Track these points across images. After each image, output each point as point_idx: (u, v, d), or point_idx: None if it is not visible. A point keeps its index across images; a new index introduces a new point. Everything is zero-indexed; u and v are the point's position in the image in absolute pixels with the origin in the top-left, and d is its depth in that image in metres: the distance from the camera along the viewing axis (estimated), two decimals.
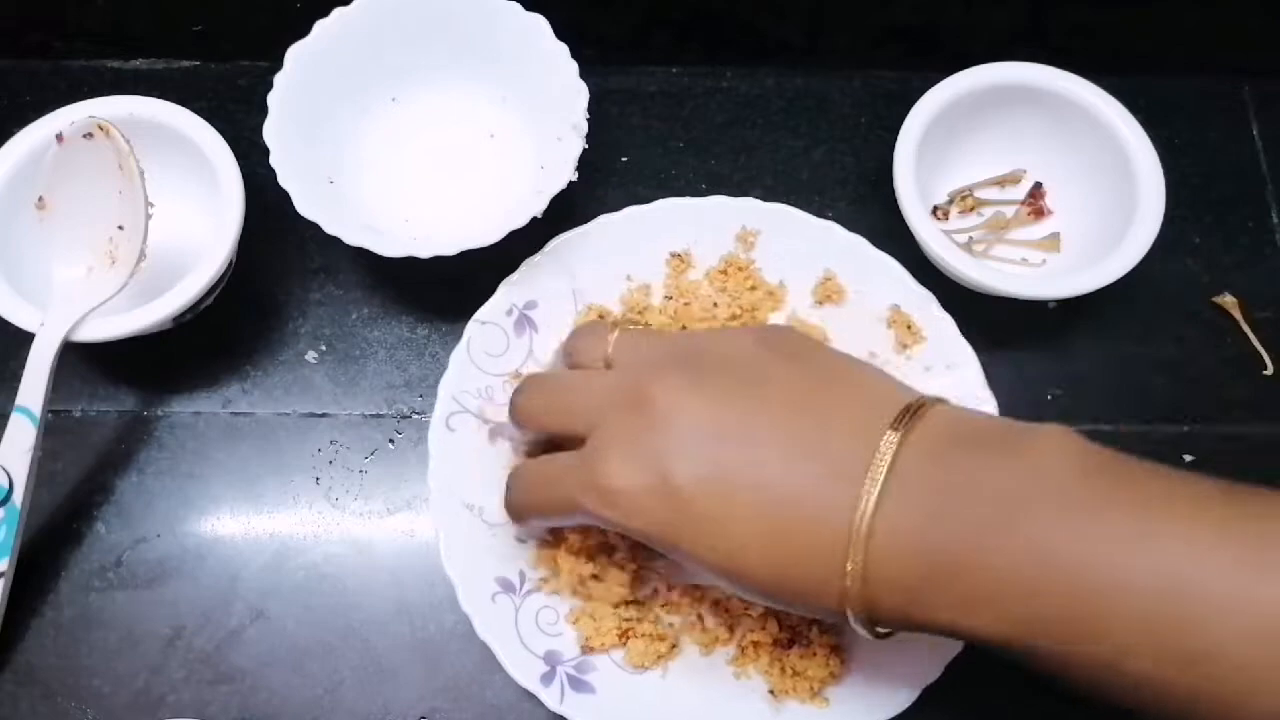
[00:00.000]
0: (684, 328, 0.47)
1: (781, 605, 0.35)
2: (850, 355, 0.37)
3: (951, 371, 0.46)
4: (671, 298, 0.48)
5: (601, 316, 0.47)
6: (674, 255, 0.48)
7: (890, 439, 0.32)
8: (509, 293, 0.46)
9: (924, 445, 0.32)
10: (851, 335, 0.47)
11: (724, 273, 0.48)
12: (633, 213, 0.47)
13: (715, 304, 0.47)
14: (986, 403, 0.45)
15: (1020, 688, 0.45)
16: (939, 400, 0.34)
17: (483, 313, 0.46)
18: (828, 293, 0.48)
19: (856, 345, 0.47)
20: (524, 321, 0.47)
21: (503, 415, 0.45)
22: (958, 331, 0.46)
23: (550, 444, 0.41)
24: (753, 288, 0.48)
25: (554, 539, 0.44)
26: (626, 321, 0.47)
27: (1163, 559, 0.28)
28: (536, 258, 0.47)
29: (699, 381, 0.34)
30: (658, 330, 0.41)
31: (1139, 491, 0.31)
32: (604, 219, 0.47)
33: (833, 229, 0.48)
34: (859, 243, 0.48)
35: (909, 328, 0.47)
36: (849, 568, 0.31)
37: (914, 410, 0.33)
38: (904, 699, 0.41)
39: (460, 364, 0.45)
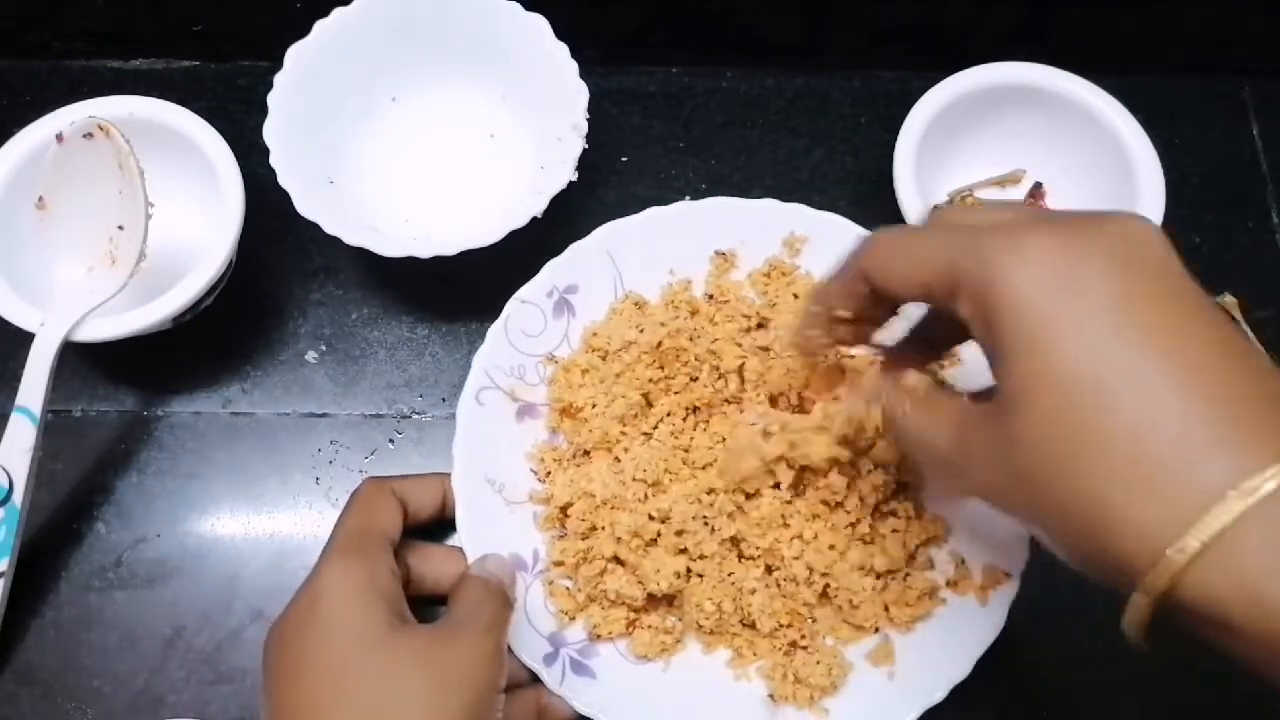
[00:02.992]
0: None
1: (1078, 503, 0.27)
2: None
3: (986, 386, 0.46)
4: (713, 295, 0.48)
5: (639, 306, 0.47)
6: (719, 254, 0.48)
7: None
8: (552, 274, 0.46)
9: None
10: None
11: (766, 275, 0.48)
12: (682, 208, 0.47)
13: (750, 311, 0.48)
14: None
15: (1020, 713, 0.45)
16: None
17: (524, 291, 0.46)
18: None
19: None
20: (563, 304, 0.47)
21: (532, 395, 0.45)
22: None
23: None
24: (795, 295, 0.48)
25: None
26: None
27: None
28: (584, 242, 0.47)
29: (1170, 248, 0.29)
30: None
31: None
32: (654, 211, 0.47)
33: None
34: None
35: None
36: (1209, 520, 0.25)
37: None
38: (905, 718, 0.41)
39: (496, 339, 0.45)
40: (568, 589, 0.44)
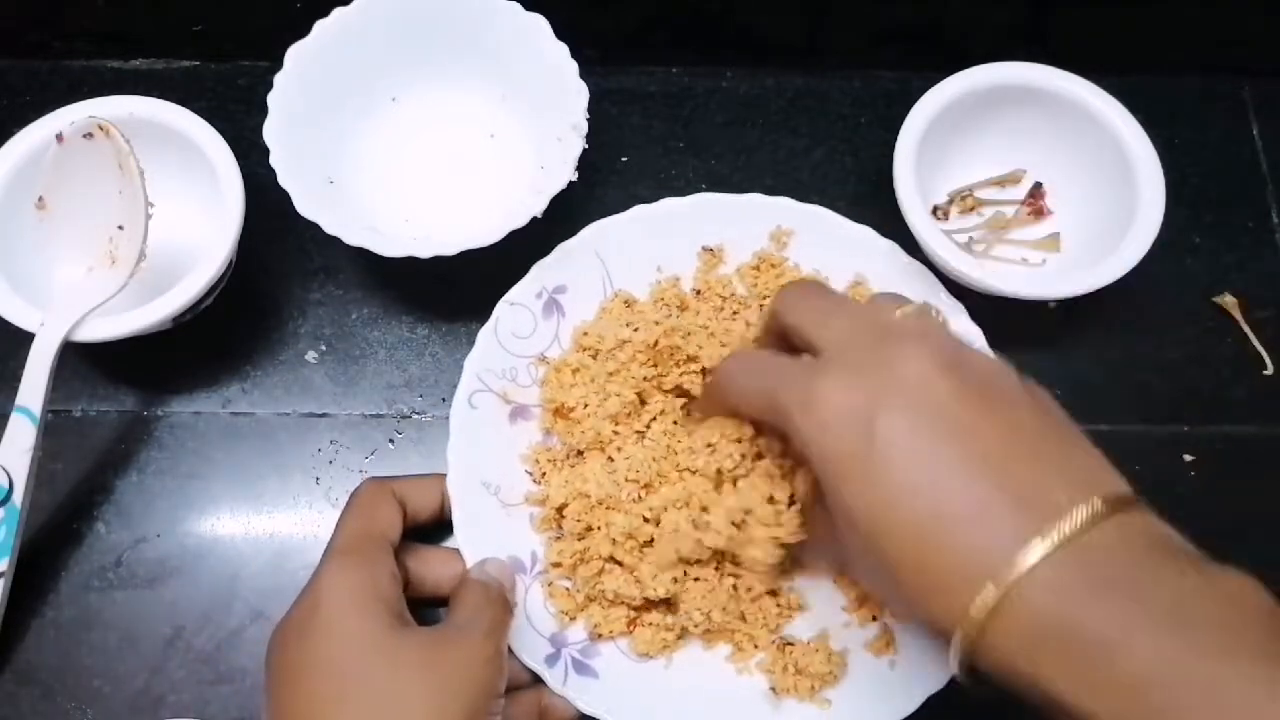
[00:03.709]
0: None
1: (902, 597, 0.33)
2: (1083, 434, 0.36)
3: None
4: (700, 291, 0.48)
5: (629, 304, 0.47)
6: (706, 249, 0.48)
7: (1095, 506, 0.31)
8: (540, 275, 0.47)
9: (1119, 533, 0.31)
10: None
11: (756, 268, 0.48)
12: (669, 205, 0.48)
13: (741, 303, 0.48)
14: None
15: (1023, 706, 0.45)
16: (1144, 505, 0.33)
17: (513, 294, 0.46)
18: (858, 297, 0.48)
19: None
20: (553, 305, 0.47)
21: (524, 397, 0.45)
22: (985, 344, 0.46)
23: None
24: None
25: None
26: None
27: None
28: (571, 243, 0.47)
29: (952, 369, 0.33)
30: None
31: None
32: (640, 209, 0.47)
33: (867, 234, 0.48)
34: (893, 249, 0.48)
35: None
36: (985, 593, 0.30)
37: (1123, 504, 0.31)
38: (907, 706, 0.41)
39: (486, 343, 0.45)
40: (567, 589, 0.44)
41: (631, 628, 0.43)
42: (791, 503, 0.40)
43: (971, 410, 0.33)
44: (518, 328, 0.46)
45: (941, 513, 0.31)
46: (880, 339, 0.34)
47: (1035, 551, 0.30)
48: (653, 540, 0.43)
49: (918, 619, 0.33)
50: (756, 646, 0.43)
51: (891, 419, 0.32)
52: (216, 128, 0.47)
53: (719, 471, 0.41)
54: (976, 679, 0.32)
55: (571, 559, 0.43)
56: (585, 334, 0.46)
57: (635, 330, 0.45)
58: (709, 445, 0.41)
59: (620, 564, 0.43)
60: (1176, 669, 0.28)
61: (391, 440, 0.49)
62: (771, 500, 0.40)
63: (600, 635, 0.43)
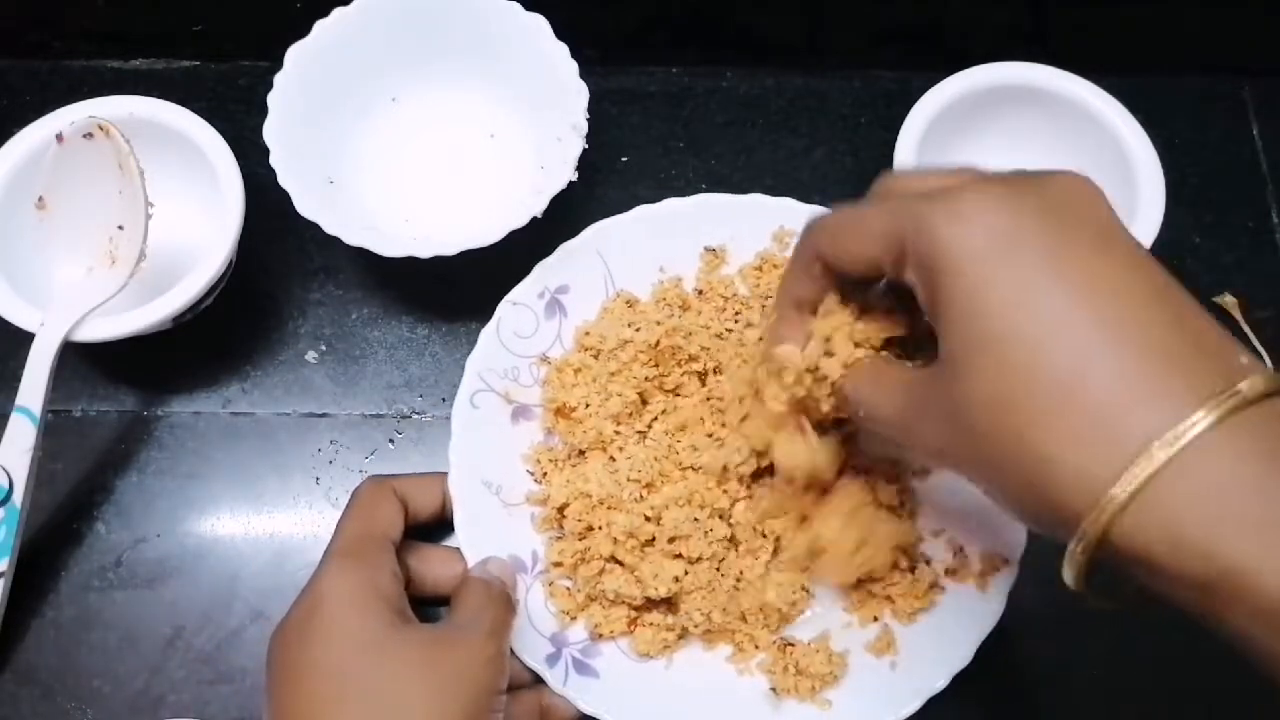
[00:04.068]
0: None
1: (1016, 452, 0.28)
2: None
3: None
4: (702, 291, 0.48)
5: (630, 304, 0.47)
6: (709, 250, 0.48)
7: (1257, 381, 0.26)
8: (543, 275, 0.47)
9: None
10: None
11: (758, 269, 0.48)
12: (671, 205, 0.48)
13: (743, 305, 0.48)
14: None
15: (1025, 704, 0.45)
16: None
17: (515, 294, 0.46)
18: None
19: None
20: (555, 305, 0.47)
21: (526, 397, 0.46)
22: None
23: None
24: None
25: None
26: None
27: None
28: (573, 242, 0.47)
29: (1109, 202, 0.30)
30: None
31: None
32: (642, 209, 0.47)
33: None
34: None
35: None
36: (1159, 445, 0.25)
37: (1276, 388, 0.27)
38: (907, 707, 0.41)
39: (489, 343, 0.45)
40: (568, 589, 0.44)
41: (632, 628, 0.43)
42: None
43: (1136, 254, 0.29)
44: (520, 327, 0.46)
45: (1108, 347, 0.27)
46: (1029, 172, 0.30)
47: (1221, 406, 0.26)
48: (654, 541, 0.43)
49: (1033, 486, 0.28)
50: (757, 647, 0.43)
51: (1053, 232, 0.28)
52: (216, 128, 0.47)
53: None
54: (1091, 575, 0.28)
55: (572, 558, 0.43)
56: (587, 333, 0.46)
57: (637, 330, 0.45)
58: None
59: (621, 564, 0.43)
60: None
61: (391, 440, 0.49)
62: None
63: (600, 635, 0.43)
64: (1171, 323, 0.28)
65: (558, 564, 0.44)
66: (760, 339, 0.41)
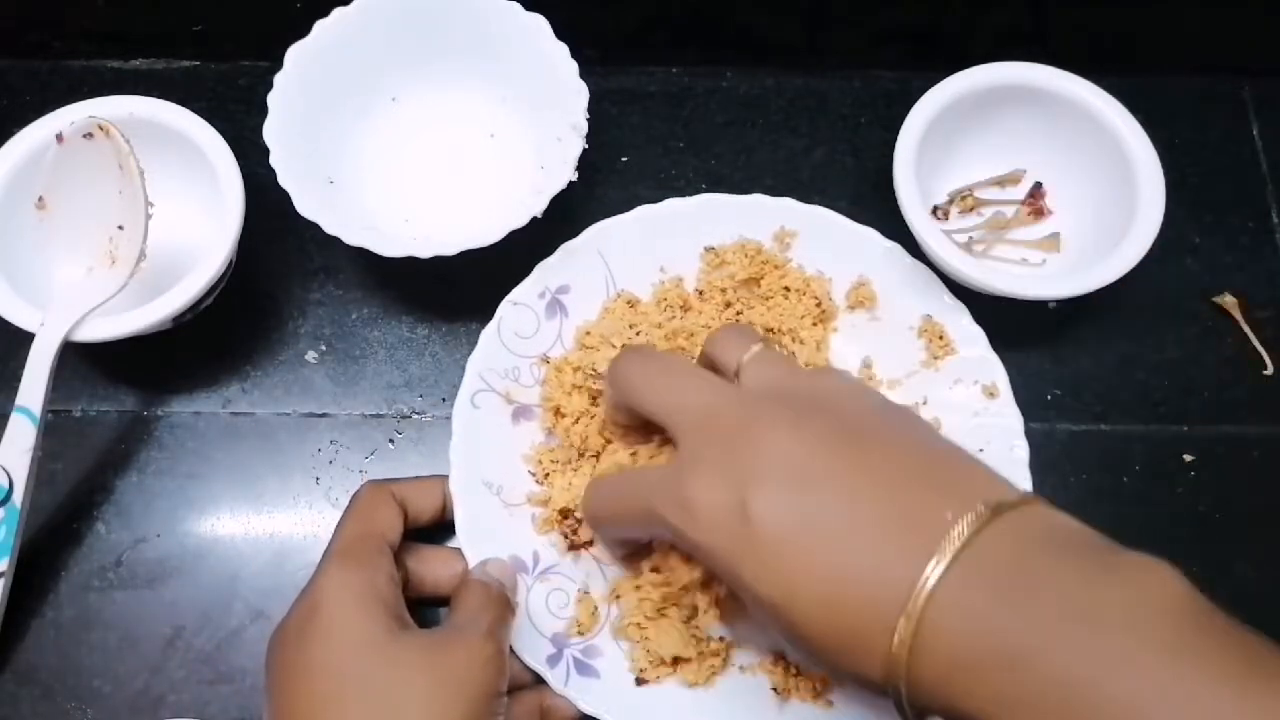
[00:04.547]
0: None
1: (828, 663, 0.33)
2: (959, 445, 0.36)
3: (980, 386, 0.46)
4: (703, 292, 0.48)
5: (631, 305, 0.47)
6: (709, 250, 0.48)
7: (975, 518, 0.31)
8: (543, 275, 0.46)
9: (1012, 535, 0.31)
10: (882, 342, 0.48)
11: (756, 278, 0.48)
12: (672, 205, 0.48)
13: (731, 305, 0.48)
14: (1013, 420, 0.46)
15: None
16: (1038, 499, 0.33)
17: (516, 294, 0.46)
18: (860, 298, 0.48)
19: (886, 352, 0.48)
20: (555, 305, 0.47)
21: (527, 397, 0.45)
22: (989, 345, 0.46)
23: (621, 424, 0.42)
24: (786, 287, 0.48)
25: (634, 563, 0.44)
26: (772, 341, 0.46)
27: None
28: (574, 243, 0.47)
29: (804, 422, 0.34)
30: (793, 364, 0.39)
31: (1249, 665, 0.28)
32: (643, 209, 0.47)
33: (870, 235, 0.48)
34: (895, 250, 0.48)
35: (940, 338, 0.47)
36: (898, 633, 0.30)
37: (1010, 504, 0.31)
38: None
39: (489, 343, 0.45)
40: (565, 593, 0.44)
41: (676, 666, 0.43)
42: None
43: (836, 457, 0.33)
44: (520, 327, 0.46)
45: (836, 565, 0.32)
46: (733, 425, 0.35)
47: (933, 573, 0.30)
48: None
49: (853, 682, 0.33)
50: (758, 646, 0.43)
51: (763, 500, 0.33)
52: (216, 128, 0.47)
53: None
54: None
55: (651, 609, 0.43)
56: (588, 334, 0.46)
57: (637, 332, 0.45)
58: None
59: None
60: (1086, 672, 0.28)
61: (391, 440, 0.49)
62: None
63: (645, 680, 0.43)
64: (898, 484, 0.32)
65: (638, 624, 0.43)
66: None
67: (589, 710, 0.41)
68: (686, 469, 0.35)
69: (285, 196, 0.45)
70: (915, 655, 0.30)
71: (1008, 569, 0.30)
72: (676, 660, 0.42)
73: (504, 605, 0.40)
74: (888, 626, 0.30)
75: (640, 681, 0.42)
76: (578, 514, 0.44)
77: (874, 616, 0.31)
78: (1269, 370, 0.50)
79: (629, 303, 0.47)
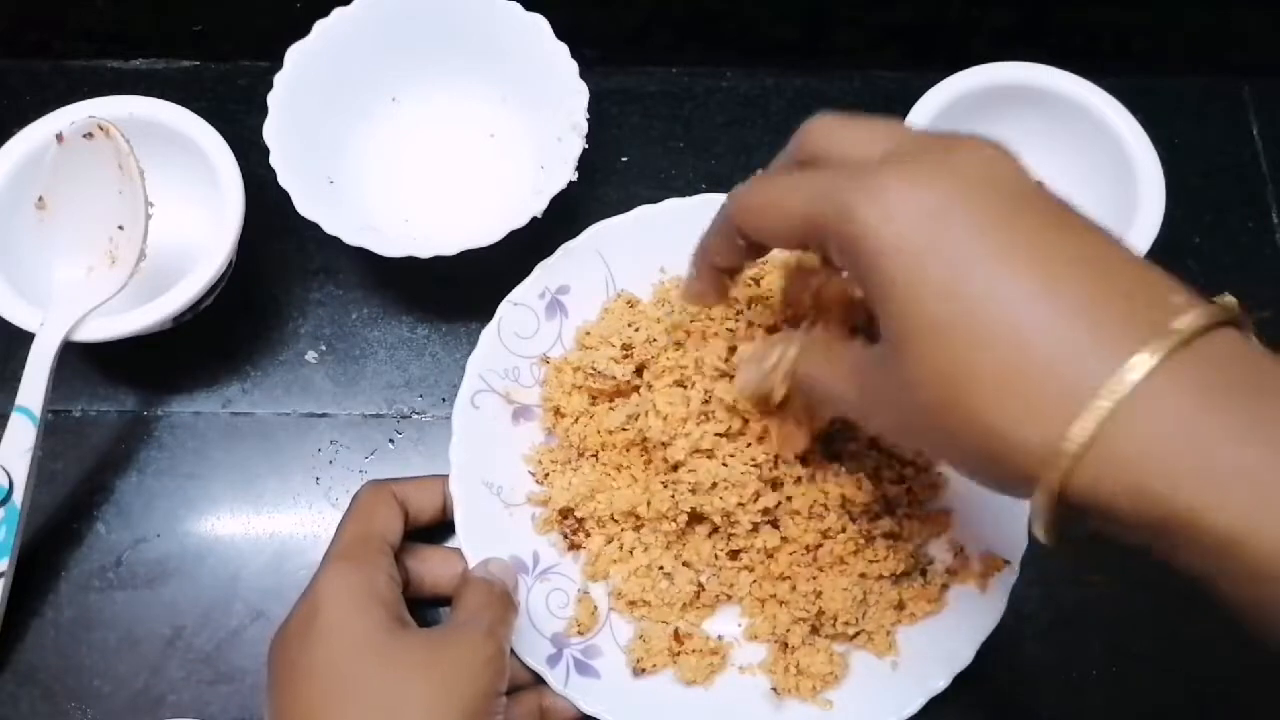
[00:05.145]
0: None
1: (967, 423, 0.28)
2: None
3: None
4: None
5: (631, 304, 0.47)
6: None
7: (1212, 311, 0.27)
8: (543, 275, 0.46)
9: (1236, 340, 0.27)
10: None
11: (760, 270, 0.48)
12: (672, 205, 0.47)
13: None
14: None
15: (1026, 704, 0.45)
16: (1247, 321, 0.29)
17: (516, 294, 0.46)
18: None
19: None
20: (555, 305, 0.47)
21: (527, 397, 0.46)
22: None
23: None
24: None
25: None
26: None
27: None
28: (574, 243, 0.47)
29: (1033, 176, 0.30)
30: None
31: None
32: (643, 209, 0.47)
33: None
34: None
35: None
36: (1099, 401, 0.26)
37: (1236, 313, 0.28)
38: (908, 708, 0.41)
39: (489, 343, 0.45)
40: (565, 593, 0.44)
41: (675, 658, 0.43)
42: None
43: (1059, 207, 0.29)
44: (520, 327, 0.46)
45: (1038, 312, 0.27)
46: (946, 138, 0.30)
47: (1157, 351, 0.26)
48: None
49: (989, 450, 0.28)
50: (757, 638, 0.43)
51: (975, 208, 0.28)
52: (216, 128, 0.47)
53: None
54: (1060, 528, 0.28)
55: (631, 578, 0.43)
56: (587, 334, 0.46)
57: (637, 330, 0.45)
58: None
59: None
60: None
61: (391, 440, 0.49)
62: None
63: (644, 669, 0.43)
64: (1100, 274, 0.28)
65: (632, 602, 0.44)
66: (679, 290, 0.41)
67: (589, 710, 0.41)
68: (889, 164, 0.30)
69: (285, 196, 0.45)
70: (1112, 426, 0.26)
71: (1230, 368, 0.27)
72: (677, 652, 0.43)
73: (505, 604, 0.40)
74: (1086, 388, 0.26)
75: (639, 672, 0.42)
76: (578, 513, 0.44)
77: (1072, 374, 0.26)
78: None
79: (629, 302, 0.47)
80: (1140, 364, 0.26)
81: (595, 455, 0.45)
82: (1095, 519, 0.27)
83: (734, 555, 0.43)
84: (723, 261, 0.37)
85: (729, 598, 0.44)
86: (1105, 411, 0.26)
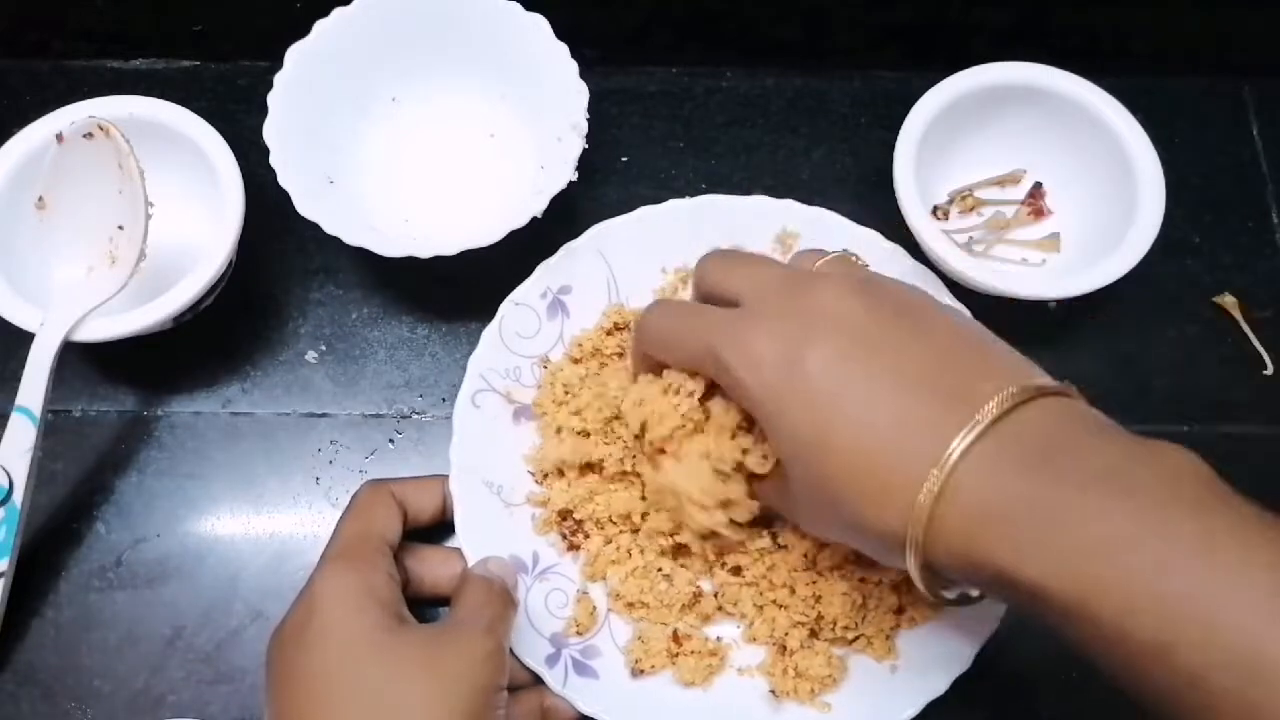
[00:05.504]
0: None
1: (850, 512, 0.34)
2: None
3: None
4: None
5: (619, 312, 0.47)
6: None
7: (1020, 389, 0.33)
8: (545, 275, 0.46)
9: (1045, 413, 0.33)
10: None
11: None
12: (673, 206, 0.47)
13: None
14: None
15: (1026, 707, 0.45)
16: (1074, 391, 0.35)
17: (517, 294, 0.46)
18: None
19: None
20: (557, 305, 0.47)
21: (528, 397, 0.45)
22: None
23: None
24: None
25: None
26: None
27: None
28: (576, 243, 0.47)
29: (868, 291, 0.36)
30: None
31: (1270, 519, 0.29)
32: (645, 210, 0.47)
33: (873, 238, 0.47)
34: (898, 252, 0.47)
35: None
36: (928, 483, 0.32)
37: (1049, 390, 0.33)
38: (907, 711, 0.41)
39: (491, 342, 0.45)
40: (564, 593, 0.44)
41: (674, 659, 0.43)
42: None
43: (891, 328, 0.35)
44: (522, 327, 0.46)
45: (876, 421, 0.33)
46: (798, 284, 0.36)
47: (969, 435, 0.32)
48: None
49: (867, 537, 0.34)
50: (755, 639, 0.43)
51: (818, 349, 0.34)
52: (216, 128, 0.47)
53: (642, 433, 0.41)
54: (933, 581, 0.34)
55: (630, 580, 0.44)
56: (579, 345, 0.46)
57: (622, 327, 0.46)
58: (638, 402, 0.40)
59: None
60: (1114, 526, 0.29)
61: (391, 440, 0.49)
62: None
63: (642, 670, 0.43)
64: (923, 384, 0.33)
65: (631, 604, 0.43)
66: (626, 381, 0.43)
67: (587, 710, 0.41)
68: (750, 316, 0.36)
69: (285, 196, 0.45)
70: (941, 504, 0.32)
71: (1040, 439, 0.32)
72: (675, 654, 0.43)
73: (505, 601, 0.40)
74: (917, 476, 0.32)
75: (637, 673, 0.42)
76: (576, 515, 0.44)
77: (906, 467, 0.32)
78: (1269, 370, 0.50)
79: (619, 311, 0.47)
80: (957, 447, 0.32)
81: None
82: (956, 581, 0.34)
83: (736, 571, 0.43)
84: (650, 367, 0.41)
85: (731, 614, 0.44)
86: (934, 491, 0.32)
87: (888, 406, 0.33)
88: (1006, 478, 0.31)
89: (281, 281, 0.51)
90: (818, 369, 0.34)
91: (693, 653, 0.43)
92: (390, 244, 0.45)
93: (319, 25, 0.48)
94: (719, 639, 0.43)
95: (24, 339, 0.44)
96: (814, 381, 0.34)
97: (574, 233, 0.47)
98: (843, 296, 0.35)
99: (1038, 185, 0.52)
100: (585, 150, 0.46)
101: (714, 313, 0.38)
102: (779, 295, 0.36)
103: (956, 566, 0.33)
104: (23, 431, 0.43)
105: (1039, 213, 0.51)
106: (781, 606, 0.43)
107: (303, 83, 0.48)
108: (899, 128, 0.48)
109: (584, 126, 0.46)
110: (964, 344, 0.35)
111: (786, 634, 0.42)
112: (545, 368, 0.46)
